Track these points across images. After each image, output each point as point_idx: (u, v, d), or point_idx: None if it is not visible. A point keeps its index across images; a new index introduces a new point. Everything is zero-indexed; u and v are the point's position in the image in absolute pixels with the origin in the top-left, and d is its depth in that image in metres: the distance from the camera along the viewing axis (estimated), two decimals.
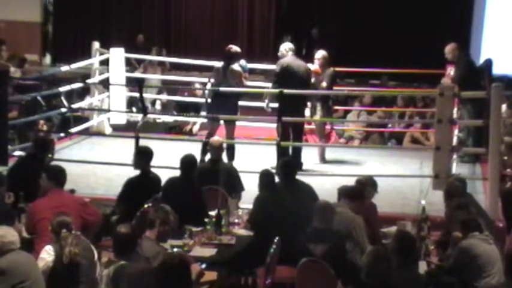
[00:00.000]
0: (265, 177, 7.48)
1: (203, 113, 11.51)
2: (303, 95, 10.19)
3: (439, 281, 6.03)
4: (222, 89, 10.03)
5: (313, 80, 10.50)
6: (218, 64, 10.22)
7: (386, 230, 7.25)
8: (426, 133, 12.21)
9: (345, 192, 6.92)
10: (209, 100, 10.43)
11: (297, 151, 10.16)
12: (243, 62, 10.45)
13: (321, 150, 10.91)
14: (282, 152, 9.67)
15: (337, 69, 11.14)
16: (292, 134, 10.19)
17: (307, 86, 10.23)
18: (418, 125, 12.51)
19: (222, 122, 10.26)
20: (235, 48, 10.25)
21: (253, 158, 10.32)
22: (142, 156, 7.88)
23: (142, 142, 9.30)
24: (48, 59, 17.32)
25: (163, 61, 14.87)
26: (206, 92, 11.19)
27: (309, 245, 6.23)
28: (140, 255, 5.56)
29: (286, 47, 10.34)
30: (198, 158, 8.67)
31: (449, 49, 11.15)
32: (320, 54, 10.76)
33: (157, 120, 13.11)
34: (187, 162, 7.71)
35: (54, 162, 8.59)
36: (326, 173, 9.91)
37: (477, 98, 9.73)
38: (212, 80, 10.61)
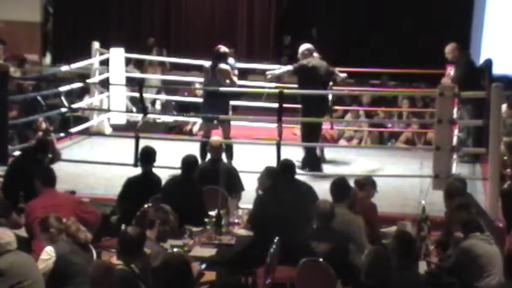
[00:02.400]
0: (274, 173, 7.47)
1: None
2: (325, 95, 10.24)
3: (439, 281, 6.03)
4: (222, 89, 10.04)
5: None
6: (207, 64, 10.23)
7: (386, 230, 7.25)
8: (426, 134, 12.18)
9: (331, 196, 6.94)
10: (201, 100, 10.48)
11: (311, 149, 10.23)
12: (231, 60, 10.48)
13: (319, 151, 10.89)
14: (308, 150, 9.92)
15: (337, 69, 11.13)
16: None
17: (327, 85, 10.31)
18: (416, 126, 12.49)
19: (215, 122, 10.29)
20: (224, 48, 10.25)
21: (253, 158, 10.31)
22: (148, 156, 7.89)
23: (143, 142, 9.30)
24: (48, 59, 17.32)
25: (163, 61, 14.87)
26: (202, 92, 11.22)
27: (311, 243, 6.23)
28: (144, 258, 5.55)
29: (305, 48, 10.35)
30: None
31: (449, 49, 11.14)
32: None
33: (157, 120, 13.11)
34: (188, 162, 7.71)
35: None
36: (326, 173, 9.90)
37: (477, 98, 9.73)
38: (202, 80, 10.63)
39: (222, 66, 10.08)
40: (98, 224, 6.85)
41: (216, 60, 10.08)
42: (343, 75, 10.57)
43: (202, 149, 9.66)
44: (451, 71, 11.26)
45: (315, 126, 10.33)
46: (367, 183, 7.40)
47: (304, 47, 10.43)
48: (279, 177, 7.46)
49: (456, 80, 10.73)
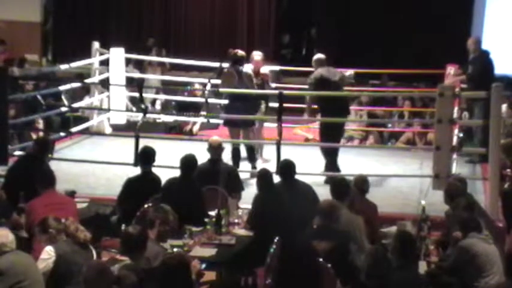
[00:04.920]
0: (263, 177, 7.47)
1: (203, 113, 11.52)
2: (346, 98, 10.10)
3: (439, 281, 6.03)
4: (221, 90, 10.06)
5: (256, 80, 10.52)
6: (231, 68, 10.23)
7: (386, 230, 7.26)
8: (426, 134, 12.16)
9: (331, 196, 6.94)
10: (215, 101, 10.47)
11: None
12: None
13: (261, 149, 10.87)
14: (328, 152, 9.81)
15: (338, 69, 11.09)
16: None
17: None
18: (418, 126, 12.48)
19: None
20: (241, 52, 10.31)
21: None
22: (148, 157, 7.89)
23: (142, 142, 9.29)
24: (48, 59, 17.31)
25: (163, 61, 14.87)
26: (206, 92, 11.21)
27: (312, 241, 6.23)
28: (144, 257, 5.55)
29: (314, 59, 10.26)
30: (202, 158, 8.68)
31: (471, 41, 11.14)
32: (259, 56, 10.74)
33: (157, 120, 13.10)
34: (187, 162, 7.71)
35: (54, 162, 8.63)
36: (325, 173, 9.89)
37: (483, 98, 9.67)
38: (213, 81, 10.61)
39: (248, 70, 10.21)
40: None
41: (238, 64, 10.12)
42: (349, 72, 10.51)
43: (236, 155, 9.71)
44: (450, 70, 11.25)
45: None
46: (365, 183, 7.41)
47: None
48: (273, 178, 7.48)
49: (471, 76, 10.69)
